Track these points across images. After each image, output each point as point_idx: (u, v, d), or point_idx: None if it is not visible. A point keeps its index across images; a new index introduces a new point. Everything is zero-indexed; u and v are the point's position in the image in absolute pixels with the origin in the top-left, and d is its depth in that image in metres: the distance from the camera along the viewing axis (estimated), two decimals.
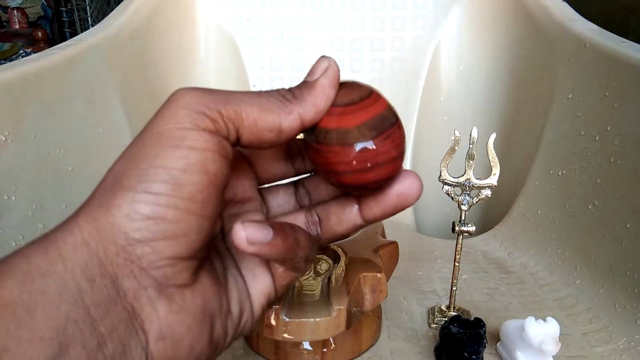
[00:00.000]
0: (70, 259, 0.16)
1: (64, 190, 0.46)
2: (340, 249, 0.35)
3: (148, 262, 0.16)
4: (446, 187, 0.36)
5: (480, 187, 0.36)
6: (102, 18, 0.65)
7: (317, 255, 0.35)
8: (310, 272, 0.34)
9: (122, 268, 0.16)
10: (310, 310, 0.29)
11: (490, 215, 0.64)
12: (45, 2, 2.31)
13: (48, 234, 0.16)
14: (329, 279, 0.32)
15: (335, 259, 0.35)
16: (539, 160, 0.56)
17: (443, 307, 0.41)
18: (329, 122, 0.19)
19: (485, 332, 0.32)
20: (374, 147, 0.18)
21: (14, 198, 0.40)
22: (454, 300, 0.39)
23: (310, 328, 0.29)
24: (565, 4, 0.61)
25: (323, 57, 0.20)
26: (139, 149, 0.17)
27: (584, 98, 0.51)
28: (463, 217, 0.37)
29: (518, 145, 0.62)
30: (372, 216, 0.21)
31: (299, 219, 0.22)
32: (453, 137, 0.35)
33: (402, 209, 0.21)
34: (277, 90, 0.19)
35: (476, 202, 0.36)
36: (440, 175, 0.36)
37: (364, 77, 0.72)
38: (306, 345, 0.33)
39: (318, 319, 0.29)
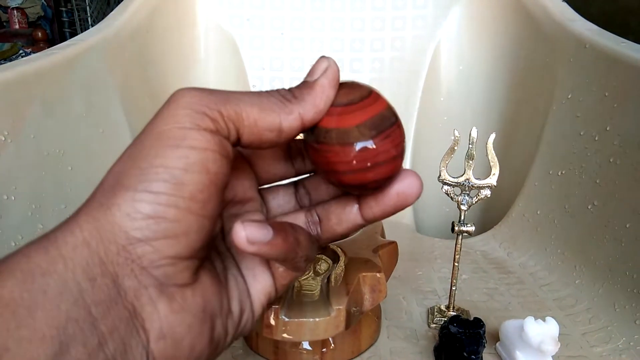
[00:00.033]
0: (70, 258, 0.16)
1: (63, 190, 0.46)
2: (339, 249, 0.35)
3: (149, 261, 0.16)
4: (446, 187, 0.36)
5: (480, 187, 0.36)
6: (102, 18, 0.65)
7: (317, 255, 0.35)
8: (309, 272, 0.34)
9: (122, 267, 0.16)
10: (309, 310, 0.29)
11: (490, 215, 0.64)
12: (45, 2, 2.31)
13: (48, 233, 0.16)
14: (329, 278, 0.32)
15: (335, 259, 0.35)
16: (538, 160, 0.56)
17: (442, 307, 0.41)
18: (329, 122, 0.19)
19: (484, 332, 0.32)
20: (374, 146, 0.18)
21: (13, 198, 0.40)
22: (454, 300, 0.39)
23: (309, 328, 0.29)
24: (565, 4, 0.61)
25: (323, 57, 0.20)
26: (139, 149, 0.17)
27: (584, 98, 0.51)
28: (462, 217, 0.37)
29: (518, 145, 0.62)
30: (372, 215, 0.21)
31: (299, 219, 0.22)
32: (453, 137, 0.35)
33: (402, 208, 0.21)
34: (277, 91, 0.19)
35: (475, 202, 0.36)
36: (440, 175, 0.36)
37: (364, 77, 0.72)
38: (305, 345, 0.33)
39: (317, 319, 0.29)
